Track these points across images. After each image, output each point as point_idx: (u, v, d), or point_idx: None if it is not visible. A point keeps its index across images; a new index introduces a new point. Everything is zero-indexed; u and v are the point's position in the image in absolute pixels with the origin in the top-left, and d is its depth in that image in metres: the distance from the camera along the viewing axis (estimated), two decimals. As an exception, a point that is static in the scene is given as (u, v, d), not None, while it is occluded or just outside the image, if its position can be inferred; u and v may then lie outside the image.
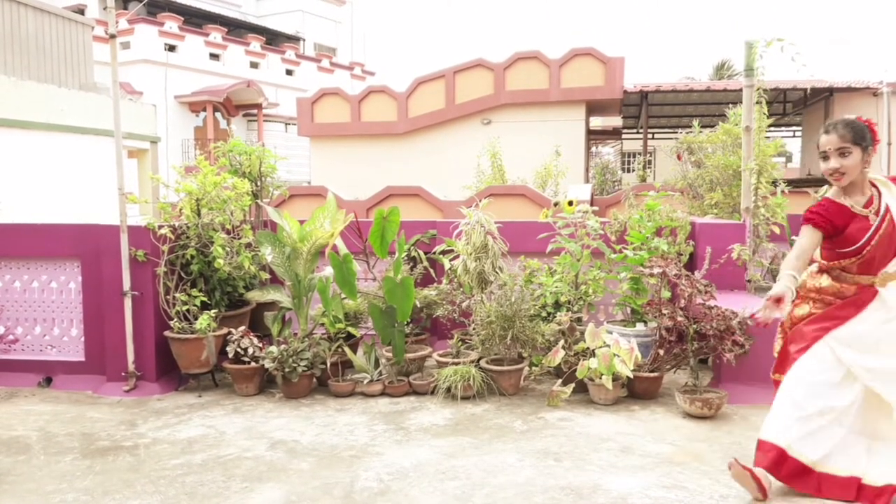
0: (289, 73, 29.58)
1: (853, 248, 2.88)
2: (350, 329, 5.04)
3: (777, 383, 3.07)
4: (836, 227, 2.89)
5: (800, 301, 3.06)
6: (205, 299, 4.91)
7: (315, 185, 13.89)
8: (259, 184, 5.71)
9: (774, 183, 6.26)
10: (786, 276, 2.76)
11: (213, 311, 4.83)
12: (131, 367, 4.78)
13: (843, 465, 2.83)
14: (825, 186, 7.23)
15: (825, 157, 2.90)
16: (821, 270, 3.06)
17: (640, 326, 4.91)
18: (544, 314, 4.98)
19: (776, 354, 3.19)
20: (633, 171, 22.25)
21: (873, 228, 2.86)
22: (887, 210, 2.88)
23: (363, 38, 37.76)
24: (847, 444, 2.84)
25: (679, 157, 8.59)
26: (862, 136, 2.89)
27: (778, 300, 2.68)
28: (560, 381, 4.46)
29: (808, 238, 2.90)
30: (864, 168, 2.91)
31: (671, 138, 14.53)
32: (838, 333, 2.88)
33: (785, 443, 2.86)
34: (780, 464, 2.87)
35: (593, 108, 16.05)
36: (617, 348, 4.27)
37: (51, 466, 3.48)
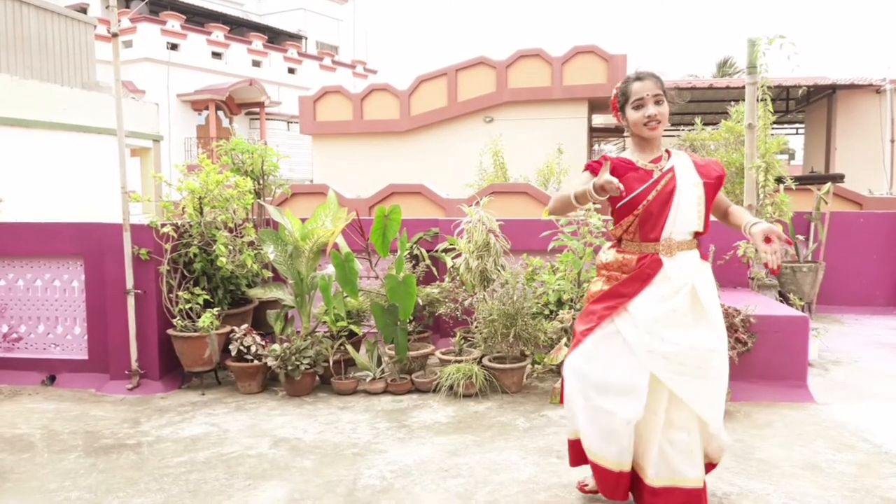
0: (291, 71, 29.56)
1: (630, 197, 2.65)
2: (352, 327, 5.04)
3: None
4: (609, 173, 2.64)
5: (596, 279, 2.85)
6: (207, 297, 4.92)
7: (317, 184, 13.86)
8: (261, 182, 5.72)
9: (779, 180, 6.26)
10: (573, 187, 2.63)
11: (215, 309, 4.84)
12: (134, 365, 4.79)
13: (616, 456, 2.63)
14: (828, 184, 7.24)
15: (640, 104, 2.65)
16: (611, 246, 2.84)
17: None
18: (547, 312, 4.98)
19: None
20: (636, 168, 22.18)
21: (652, 181, 2.65)
22: (672, 170, 2.67)
23: (365, 36, 37.75)
24: (625, 434, 2.60)
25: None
26: (665, 88, 2.71)
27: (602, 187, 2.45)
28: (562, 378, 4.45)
29: (580, 179, 2.71)
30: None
31: (674, 136, 14.50)
32: (624, 311, 2.63)
33: (574, 435, 2.78)
34: (581, 458, 2.78)
35: (596, 105, 16.00)
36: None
37: (54, 464, 3.49)
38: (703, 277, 2.65)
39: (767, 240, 2.50)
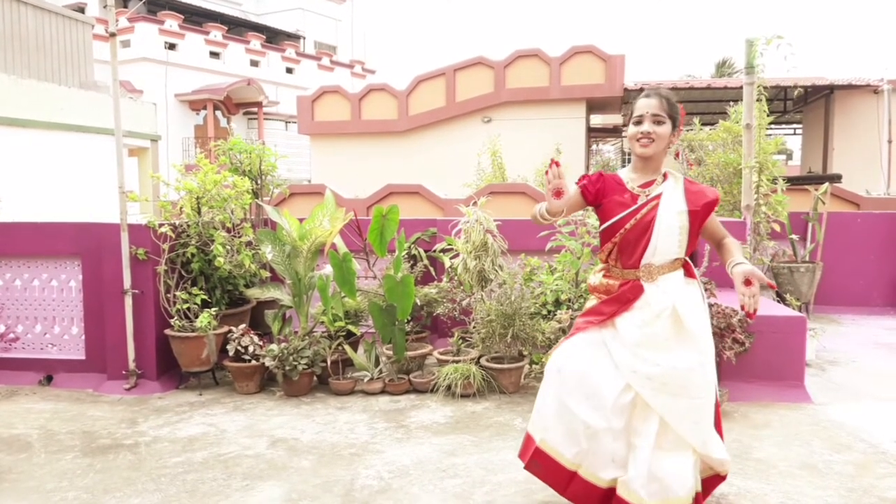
0: (289, 71, 29.54)
1: (609, 224, 2.65)
2: (350, 327, 5.04)
3: None
4: (595, 191, 2.68)
5: (591, 297, 2.89)
6: (205, 297, 4.91)
7: (315, 184, 13.86)
8: (259, 182, 5.72)
9: (775, 180, 6.27)
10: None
11: (213, 309, 4.84)
12: (132, 365, 4.78)
13: (595, 470, 2.58)
14: (826, 184, 7.25)
15: (639, 120, 2.67)
16: (599, 270, 2.85)
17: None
18: (544, 312, 4.98)
19: None
20: (634, 168, 22.18)
21: (633, 209, 2.62)
22: (658, 198, 2.63)
23: (363, 36, 37.72)
24: (605, 445, 2.55)
25: (677, 156, 8.60)
26: (675, 112, 2.69)
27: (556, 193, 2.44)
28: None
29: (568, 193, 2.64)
30: (667, 147, 2.69)
31: (672, 136, 14.50)
32: (611, 325, 2.67)
33: (539, 436, 2.68)
34: (535, 458, 2.68)
35: (594, 105, 16.02)
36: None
37: (51, 464, 3.49)
38: (687, 297, 2.63)
39: (748, 282, 2.49)
